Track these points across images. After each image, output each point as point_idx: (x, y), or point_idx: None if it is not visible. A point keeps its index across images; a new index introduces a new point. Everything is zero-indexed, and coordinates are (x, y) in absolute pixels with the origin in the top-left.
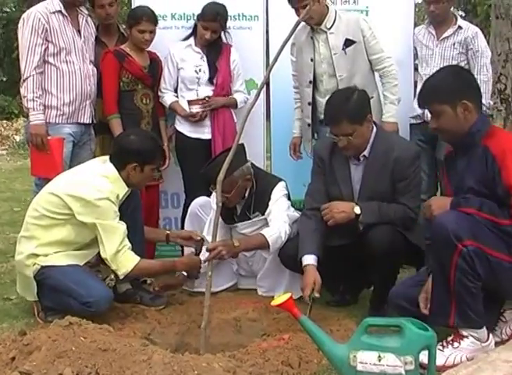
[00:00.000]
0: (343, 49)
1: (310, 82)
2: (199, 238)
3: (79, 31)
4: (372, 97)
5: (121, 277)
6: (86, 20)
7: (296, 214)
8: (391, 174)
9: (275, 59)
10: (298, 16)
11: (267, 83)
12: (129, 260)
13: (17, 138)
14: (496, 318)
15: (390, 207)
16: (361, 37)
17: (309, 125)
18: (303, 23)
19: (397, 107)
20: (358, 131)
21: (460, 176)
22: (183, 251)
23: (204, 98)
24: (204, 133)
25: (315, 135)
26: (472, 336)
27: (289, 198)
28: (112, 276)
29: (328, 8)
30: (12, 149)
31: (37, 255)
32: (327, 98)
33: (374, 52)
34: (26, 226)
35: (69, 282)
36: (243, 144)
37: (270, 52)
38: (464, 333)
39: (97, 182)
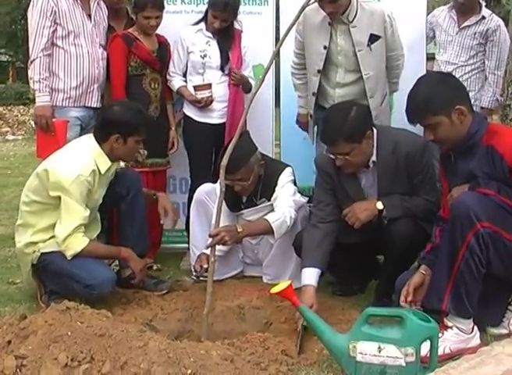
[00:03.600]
0: (368, 45)
1: (318, 71)
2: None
3: (89, 15)
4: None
5: (68, 258)
6: (98, 4)
7: (303, 199)
8: (406, 172)
9: (281, 43)
10: (323, 9)
11: (276, 69)
12: (79, 242)
13: (33, 123)
14: (502, 312)
15: (412, 200)
16: (384, 32)
17: (311, 116)
18: (316, 4)
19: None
20: (356, 150)
21: (465, 177)
22: (188, 237)
23: (210, 84)
24: (213, 117)
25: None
26: (457, 327)
27: (295, 184)
28: (117, 262)
29: None
30: (28, 134)
31: (36, 243)
32: (337, 90)
33: (393, 49)
34: (20, 214)
35: (71, 266)
36: (248, 132)
37: (280, 38)
38: (449, 323)
39: (73, 157)
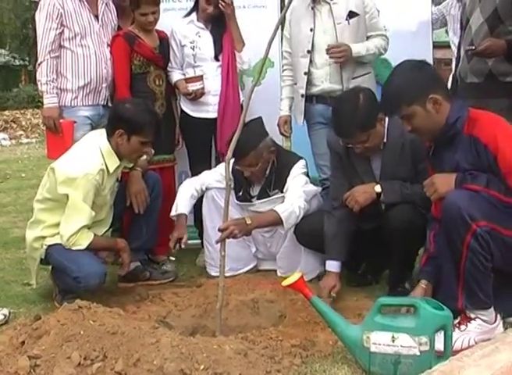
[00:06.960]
0: (347, 19)
1: (308, 52)
2: None
3: (96, 16)
4: (369, 72)
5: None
6: (106, 5)
7: (314, 188)
8: (411, 156)
9: (275, 32)
10: None
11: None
12: (84, 239)
13: None
14: None
15: (413, 187)
16: (363, 11)
17: (302, 96)
18: None
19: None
20: (373, 134)
21: (452, 167)
22: (200, 234)
23: (201, 76)
24: (208, 112)
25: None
26: (480, 318)
27: (308, 177)
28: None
29: None
30: (41, 137)
31: (45, 237)
32: (324, 69)
33: (373, 30)
34: (34, 212)
35: (64, 259)
36: (261, 118)
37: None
38: (472, 315)
39: (82, 156)
